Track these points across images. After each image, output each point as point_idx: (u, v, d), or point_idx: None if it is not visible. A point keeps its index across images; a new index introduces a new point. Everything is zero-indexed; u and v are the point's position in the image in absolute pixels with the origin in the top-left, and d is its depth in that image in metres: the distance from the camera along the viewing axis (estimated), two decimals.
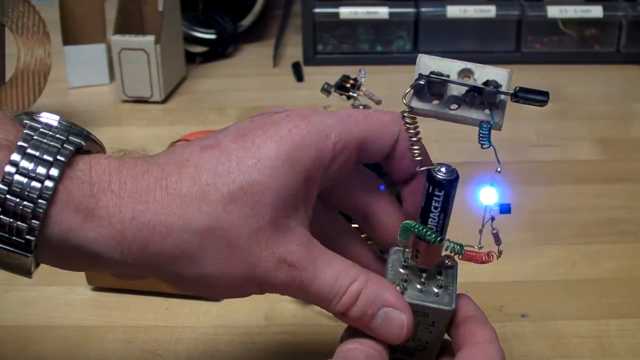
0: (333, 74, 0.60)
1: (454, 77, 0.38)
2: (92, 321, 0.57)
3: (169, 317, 0.57)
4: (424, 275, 0.41)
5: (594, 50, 1.07)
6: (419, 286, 0.41)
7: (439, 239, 0.39)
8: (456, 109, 0.38)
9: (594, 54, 1.07)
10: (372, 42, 1.08)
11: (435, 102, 0.39)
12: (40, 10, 0.81)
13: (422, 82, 0.38)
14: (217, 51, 1.11)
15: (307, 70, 1.06)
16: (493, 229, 0.39)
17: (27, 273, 0.37)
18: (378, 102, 0.58)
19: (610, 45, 1.06)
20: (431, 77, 0.38)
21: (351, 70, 0.58)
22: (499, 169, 0.38)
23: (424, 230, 0.39)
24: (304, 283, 0.39)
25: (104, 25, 0.99)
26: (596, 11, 1.04)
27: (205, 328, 0.56)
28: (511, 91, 0.37)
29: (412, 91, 0.39)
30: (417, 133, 0.40)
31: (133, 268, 0.38)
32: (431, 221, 0.39)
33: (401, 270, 0.42)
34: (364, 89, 0.57)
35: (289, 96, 0.99)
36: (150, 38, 0.92)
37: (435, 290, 0.41)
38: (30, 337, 0.56)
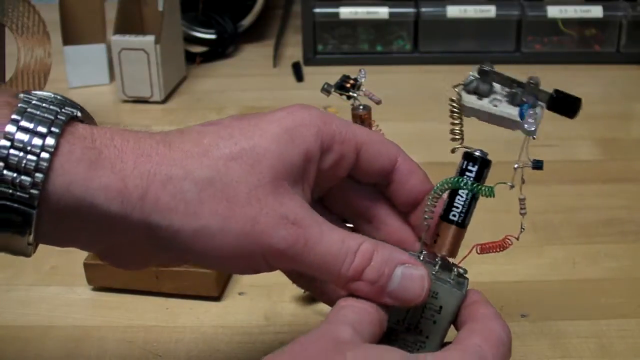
0: (333, 74, 0.60)
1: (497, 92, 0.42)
2: (92, 321, 0.57)
3: (169, 317, 0.57)
4: (439, 263, 0.42)
5: (594, 50, 1.07)
6: (432, 272, 0.41)
7: (475, 185, 0.40)
8: (497, 106, 0.42)
9: (594, 54, 1.07)
10: (372, 42, 1.07)
11: (480, 100, 0.42)
12: (40, 10, 0.81)
13: (471, 77, 0.42)
14: (217, 51, 1.11)
15: (307, 70, 1.06)
16: (521, 195, 0.41)
17: (25, 249, 0.37)
18: (378, 102, 0.58)
19: (610, 45, 1.06)
20: (483, 67, 0.41)
21: (351, 70, 0.58)
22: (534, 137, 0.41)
23: (459, 179, 0.40)
24: (310, 242, 0.38)
25: (104, 25, 0.99)
26: (596, 11, 1.04)
27: (205, 328, 0.56)
28: (550, 90, 0.41)
29: (462, 86, 0.42)
30: (461, 117, 0.42)
31: (129, 228, 0.37)
32: (459, 199, 0.41)
33: None
34: (364, 89, 0.57)
35: (289, 96, 0.99)
36: (150, 38, 0.92)
37: (448, 279, 0.41)
38: (30, 337, 0.56)
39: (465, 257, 0.42)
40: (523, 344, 0.54)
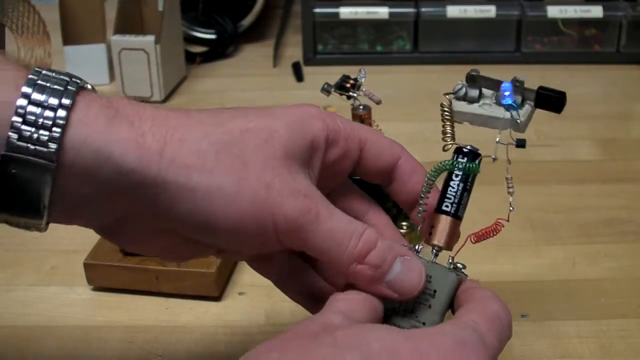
0: (333, 74, 0.60)
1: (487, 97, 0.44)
2: (92, 321, 0.57)
3: (169, 317, 0.57)
4: (435, 252, 0.42)
5: (594, 50, 1.07)
6: (429, 261, 0.41)
7: (467, 164, 0.41)
8: (486, 110, 0.43)
9: (594, 54, 1.07)
10: (372, 42, 1.07)
11: (469, 105, 0.43)
12: (40, 10, 0.81)
13: (460, 84, 0.43)
14: (217, 51, 1.11)
15: (307, 70, 1.06)
16: (508, 174, 0.42)
17: (39, 222, 0.36)
18: (378, 102, 0.58)
19: (610, 45, 1.06)
20: (471, 73, 0.43)
21: (351, 70, 0.58)
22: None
23: (449, 162, 0.41)
24: (321, 214, 0.38)
25: (104, 25, 0.99)
26: (596, 11, 1.04)
27: (205, 328, 0.56)
28: (534, 88, 0.42)
29: (452, 95, 0.43)
30: (452, 120, 0.43)
31: (143, 188, 0.37)
32: (450, 190, 0.42)
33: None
34: (364, 89, 0.57)
35: (289, 96, 0.99)
36: (150, 38, 0.92)
37: (445, 266, 0.41)
38: (30, 337, 0.56)
39: (461, 248, 0.42)
40: (523, 344, 0.54)
